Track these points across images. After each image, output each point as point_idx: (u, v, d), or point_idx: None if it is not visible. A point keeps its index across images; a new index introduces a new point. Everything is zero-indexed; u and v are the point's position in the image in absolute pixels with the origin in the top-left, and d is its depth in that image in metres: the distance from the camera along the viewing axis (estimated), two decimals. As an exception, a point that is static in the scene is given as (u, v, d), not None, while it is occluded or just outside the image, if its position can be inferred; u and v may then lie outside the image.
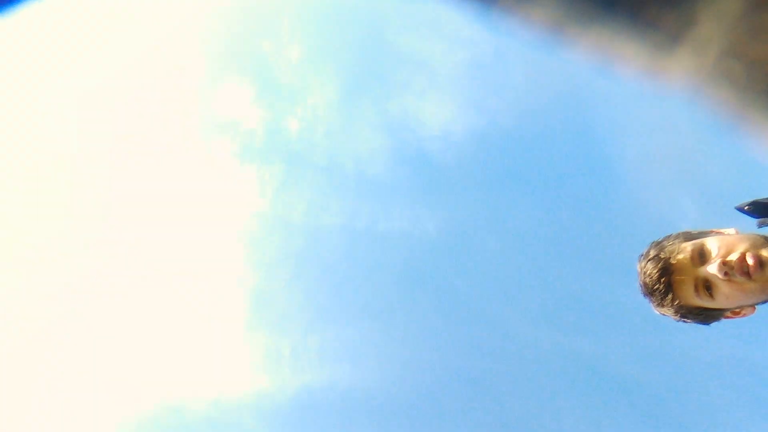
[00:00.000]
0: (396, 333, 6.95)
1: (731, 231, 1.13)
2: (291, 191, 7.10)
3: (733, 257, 1.04)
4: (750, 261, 1.03)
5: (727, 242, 1.08)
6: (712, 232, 1.15)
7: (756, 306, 1.10)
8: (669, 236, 1.16)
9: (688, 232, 1.16)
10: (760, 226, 1.13)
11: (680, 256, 1.11)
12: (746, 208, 1.13)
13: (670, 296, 1.11)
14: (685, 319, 1.14)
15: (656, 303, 1.14)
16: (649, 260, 1.14)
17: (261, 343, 7.00)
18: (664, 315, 1.16)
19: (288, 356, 6.78)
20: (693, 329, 1.22)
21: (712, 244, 1.09)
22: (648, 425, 5.91)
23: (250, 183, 6.86)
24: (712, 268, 1.06)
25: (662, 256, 1.13)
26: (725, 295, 1.07)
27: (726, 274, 1.04)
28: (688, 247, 1.11)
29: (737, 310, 1.11)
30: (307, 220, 7.04)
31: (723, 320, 1.14)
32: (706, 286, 1.08)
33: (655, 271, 1.12)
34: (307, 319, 7.22)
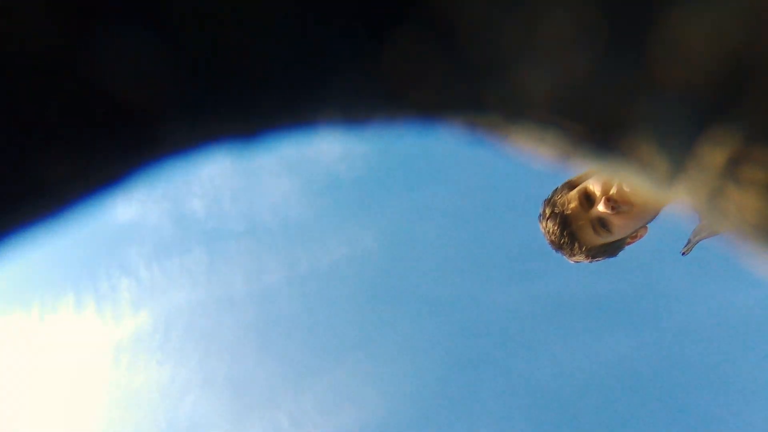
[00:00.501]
0: (385, 354, 6.88)
1: None
2: (221, 269, 6.84)
3: (614, 191, 1.10)
4: (627, 189, 1.08)
5: (604, 178, 1.13)
6: (588, 173, 1.21)
7: (647, 226, 1.17)
8: (555, 190, 1.21)
9: (569, 181, 1.21)
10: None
11: (571, 206, 1.16)
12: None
13: (576, 245, 1.16)
14: (596, 259, 1.19)
15: (568, 255, 1.18)
16: (547, 219, 1.19)
17: (256, 426, 6.69)
18: (578, 262, 1.20)
19: (288, 426, 6.52)
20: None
21: (593, 185, 1.14)
22: (626, 327, 6.25)
23: (176, 278, 6.54)
24: (601, 207, 1.11)
25: (557, 211, 1.17)
26: (620, 226, 1.13)
27: (613, 208, 1.09)
28: (574, 195, 1.16)
29: (634, 234, 1.18)
30: (249, 289, 6.81)
31: (626, 247, 1.20)
32: (602, 224, 1.13)
33: (555, 227, 1.17)
34: (293, 382, 7.00)
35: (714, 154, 0.18)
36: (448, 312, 6.86)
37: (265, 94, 0.19)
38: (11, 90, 0.16)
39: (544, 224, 1.21)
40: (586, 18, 0.17)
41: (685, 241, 1.16)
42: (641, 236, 1.20)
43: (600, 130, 0.19)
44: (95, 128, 0.17)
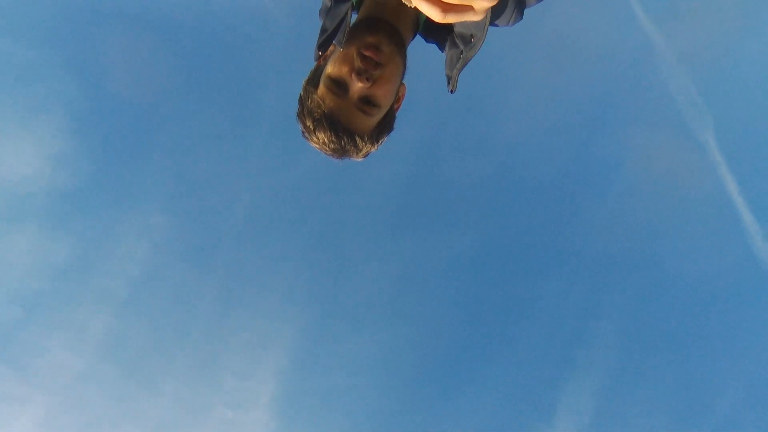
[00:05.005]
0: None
1: (332, 49, 1.02)
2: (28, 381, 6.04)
3: (358, 63, 0.94)
4: (368, 53, 0.94)
5: (341, 57, 0.97)
6: (319, 63, 1.03)
7: (404, 82, 1.06)
8: (300, 99, 1.03)
9: (308, 80, 1.03)
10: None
11: (328, 101, 0.99)
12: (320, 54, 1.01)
13: (356, 139, 1.02)
14: (380, 142, 1.08)
15: (355, 154, 1.05)
16: (315, 131, 1.01)
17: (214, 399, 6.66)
18: (368, 156, 1.08)
19: (232, 387, 6.45)
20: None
21: (335, 70, 0.97)
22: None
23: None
24: (356, 86, 0.96)
25: (318, 117, 1.00)
26: (383, 95, 1.01)
27: (367, 80, 0.95)
28: (323, 90, 0.99)
29: (397, 97, 1.07)
30: (80, 361, 6.13)
31: (397, 114, 1.10)
32: (366, 101, 0.99)
33: (327, 133, 1.00)
34: (205, 365, 6.90)
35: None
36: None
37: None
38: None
39: (314, 138, 1.03)
40: None
41: (446, 81, 1.08)
42: (403, 95, 1.10)
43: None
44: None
